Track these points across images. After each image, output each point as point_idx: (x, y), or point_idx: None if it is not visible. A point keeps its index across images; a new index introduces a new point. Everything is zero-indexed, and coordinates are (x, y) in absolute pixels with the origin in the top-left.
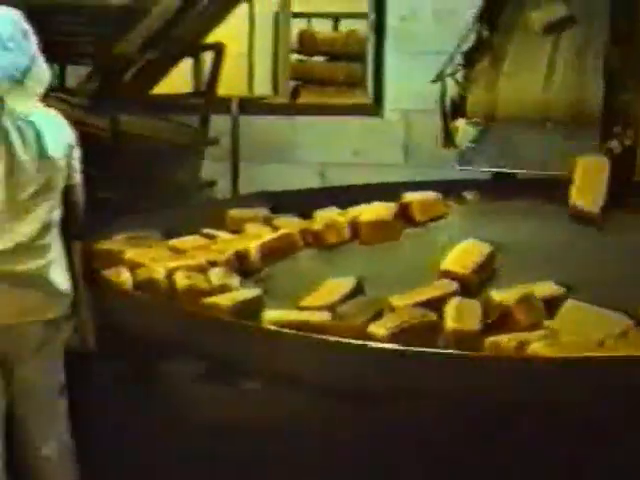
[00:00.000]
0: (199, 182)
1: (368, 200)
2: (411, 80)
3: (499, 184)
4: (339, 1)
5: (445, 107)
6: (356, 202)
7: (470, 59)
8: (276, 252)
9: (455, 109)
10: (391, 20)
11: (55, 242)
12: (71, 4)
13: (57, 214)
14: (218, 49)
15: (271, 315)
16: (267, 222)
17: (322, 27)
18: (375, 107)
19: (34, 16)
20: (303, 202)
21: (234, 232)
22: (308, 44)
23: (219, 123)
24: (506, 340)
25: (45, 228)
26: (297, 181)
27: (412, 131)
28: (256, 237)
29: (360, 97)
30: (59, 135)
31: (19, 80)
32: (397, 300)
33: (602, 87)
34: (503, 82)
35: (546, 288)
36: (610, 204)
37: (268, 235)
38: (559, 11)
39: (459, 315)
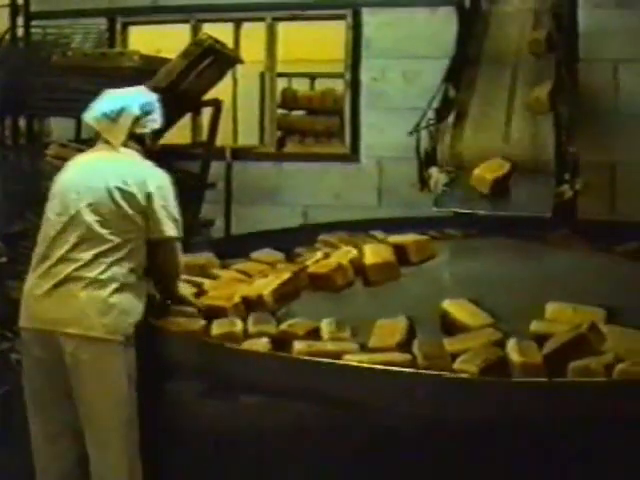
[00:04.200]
0: (200, 222)
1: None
2: (383, 132)
3: (459, 221)
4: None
5: (420, 157)
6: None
7: (439, 115)
8: (287, 295)
9: (428, 158)
10: (364, 80)
11: None
12: (88, 66)
13: None
14: (217, 104)
15: (358, 358)
16: (226, 267)
17: (300, 85)
18: (352, 155)
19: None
20: (242, 246)
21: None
22: (289, 100)
23: (213, 169)
24: (594, 364)
25: None
26: (283, 221)
27: (385, 176)
28: (240, 282)
29: (337, 147)
30: None
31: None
32: (451, 346)
33: (554, 139)
34: (467, 135)
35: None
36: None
37: (250, 279)
38: None
39: (522, 351)
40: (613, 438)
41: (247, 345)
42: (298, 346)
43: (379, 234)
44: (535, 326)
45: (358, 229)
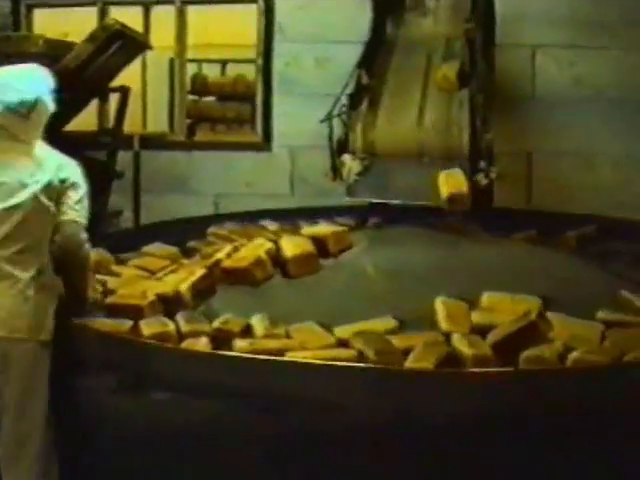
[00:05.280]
0: (107, 212)
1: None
2: (296, 119)
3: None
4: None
5: (332, 145)
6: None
7: (353, 102)
8: (203, 292)
9: (341, 146)
10: (277, 65)
11: None
12: None
13: None
14: (124, 91)
15: (303, 355)
16: (123, 263)
17: (211, 71)
18: (264, 143)
19: None
20: (131, 240)
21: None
22: (200, 86)
23: (121, 158)
24: (547, 353)
25: None
26: (194, 210)
27: (297, 165)
28: (145, 278)
29: (249, 134)
30: None
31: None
32: (400, 342)
33: (468, 127)
34: (381, 122)
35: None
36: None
37: (155, 275)
38: None
39: (471, 343)
40: (578, 425)
41: (188, 345)
42: (240, 344)
43: (269, 224)
44: (476, 317)
45: (247, 220)
